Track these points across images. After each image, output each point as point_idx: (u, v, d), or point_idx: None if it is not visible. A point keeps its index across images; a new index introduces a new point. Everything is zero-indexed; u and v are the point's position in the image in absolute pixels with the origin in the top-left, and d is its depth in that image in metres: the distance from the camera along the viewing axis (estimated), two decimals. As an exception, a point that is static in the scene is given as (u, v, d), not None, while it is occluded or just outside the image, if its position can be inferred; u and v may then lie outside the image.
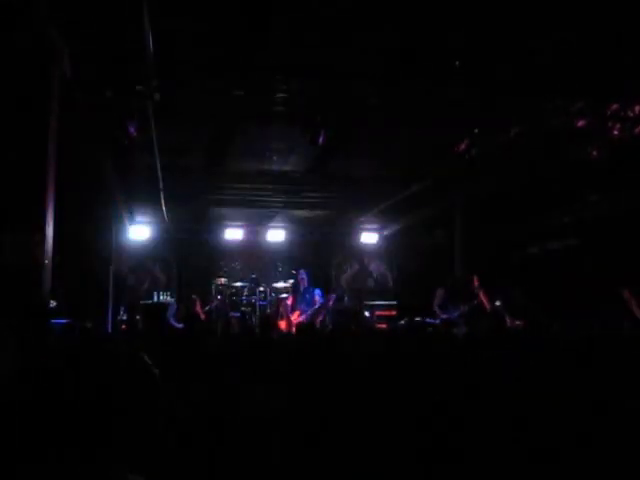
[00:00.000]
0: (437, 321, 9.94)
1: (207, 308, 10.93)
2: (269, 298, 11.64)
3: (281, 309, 10.89)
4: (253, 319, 11.03)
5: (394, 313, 10.75)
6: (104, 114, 5.91)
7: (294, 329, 9.71)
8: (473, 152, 7.08)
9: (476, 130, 6.83)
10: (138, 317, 10.44)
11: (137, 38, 4.49)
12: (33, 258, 3.95)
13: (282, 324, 10.33)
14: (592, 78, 5.72)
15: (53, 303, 9.47)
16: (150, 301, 12.08)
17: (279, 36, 5.00)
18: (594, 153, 7.07)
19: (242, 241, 12.78)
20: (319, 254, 13.42)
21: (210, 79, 5.66)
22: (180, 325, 10.10)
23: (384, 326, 9.19)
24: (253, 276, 12.03)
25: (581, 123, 6.51)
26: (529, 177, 8.56)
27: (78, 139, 6.19)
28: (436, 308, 10.27)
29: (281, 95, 5.89)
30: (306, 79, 5.72)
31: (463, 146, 7.00)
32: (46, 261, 4.03)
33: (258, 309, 11.52)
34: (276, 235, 12.78)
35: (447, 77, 5.64)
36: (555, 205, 9.79)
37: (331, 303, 10.61)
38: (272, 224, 12.63)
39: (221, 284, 11.82)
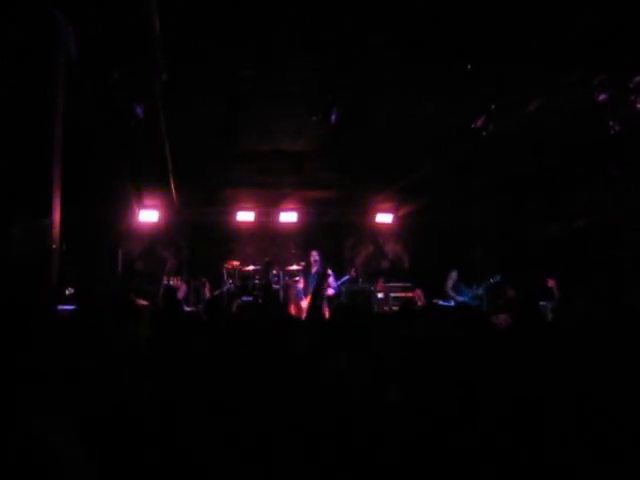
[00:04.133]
0: (451, 303, 9.83)
1: (217, 292, 10.85)
2: (282, 282, 11.46)
3: (290, 293, 10.77)
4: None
5: (411, 294, 10.59)
6: (111, 96, 5.78)
7: (304, 314, 9.57)
8: (490, 128, 6.88)
9: (493, 106, 6.64)
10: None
11: (144, 17, 4.36)
12: (41, 244, 3.87)
13: (292, 309, 10.20)
14: (614, 50, 5.51)
15: (71, 290, 9.41)
16: (160, 285, 11.99)
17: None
18: (616, 128, 6.85)
19: (254, 223, 12.65)
20: (333, 235, 13.24)
21: (220, 58, 5.52)
22: (189, 308, 10.06)
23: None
24: (267, 259, 11.88)
25: (602, 97, 6.28)
26: (547, 156, 8.37)
27: (85, 122, 6.09)
28: (449, 290, 10.15)
29: (293, 73, 5.75)
30: (319, 56, 5.56)
31: (480, 122, 6.81)
32: (54, 246, 3.96)
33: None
34: (289, 217, 12.62)
35: (464, 52, 5.47)
36: (574, 185, 9.58)
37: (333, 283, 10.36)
38: (285, 205, 12.47)
39: (233, 267, 11.69)
